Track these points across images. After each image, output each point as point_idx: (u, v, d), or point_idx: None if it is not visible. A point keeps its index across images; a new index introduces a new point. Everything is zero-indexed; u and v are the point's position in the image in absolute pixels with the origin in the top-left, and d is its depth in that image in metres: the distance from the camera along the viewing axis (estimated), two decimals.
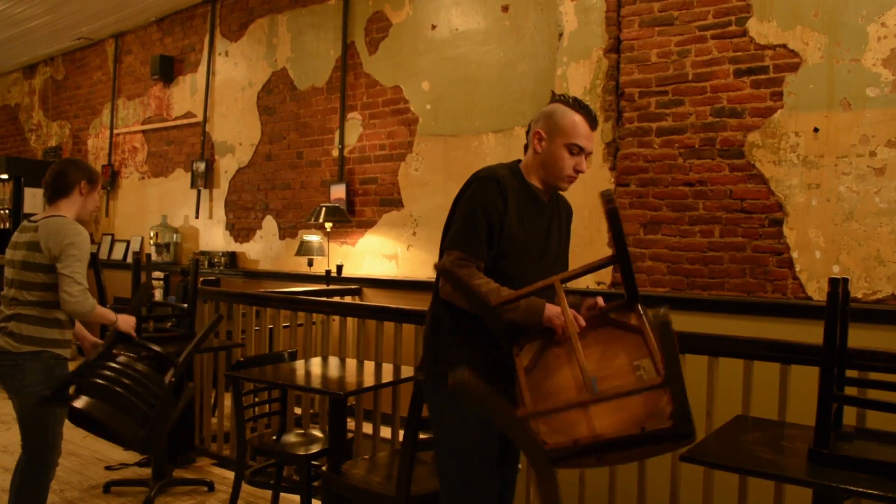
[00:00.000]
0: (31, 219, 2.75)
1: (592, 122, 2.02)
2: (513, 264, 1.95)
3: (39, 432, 2.67)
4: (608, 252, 4.11)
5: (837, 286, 1.57)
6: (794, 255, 3.62)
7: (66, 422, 2.69)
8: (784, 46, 3.65)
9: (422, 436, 2.41)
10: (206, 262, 6.55)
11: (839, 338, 1.67)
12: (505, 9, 4.84)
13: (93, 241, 8.21)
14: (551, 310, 1.83)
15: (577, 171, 2.01)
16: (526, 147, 2.08)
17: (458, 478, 1.97)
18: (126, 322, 2.77)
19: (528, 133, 2.09)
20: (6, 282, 2.71)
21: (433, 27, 5.22)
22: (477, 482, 1.96)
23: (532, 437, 1.51)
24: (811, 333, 2.59)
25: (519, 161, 2.10)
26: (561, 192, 2.13)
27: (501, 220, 1.92)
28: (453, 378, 1.44)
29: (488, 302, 1.78)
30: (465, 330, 1.96)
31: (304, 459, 2.92)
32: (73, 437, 4.72)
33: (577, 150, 1.98)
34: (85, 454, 4.35)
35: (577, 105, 2.02)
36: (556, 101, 2.06)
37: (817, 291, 3.56)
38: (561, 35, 4.31)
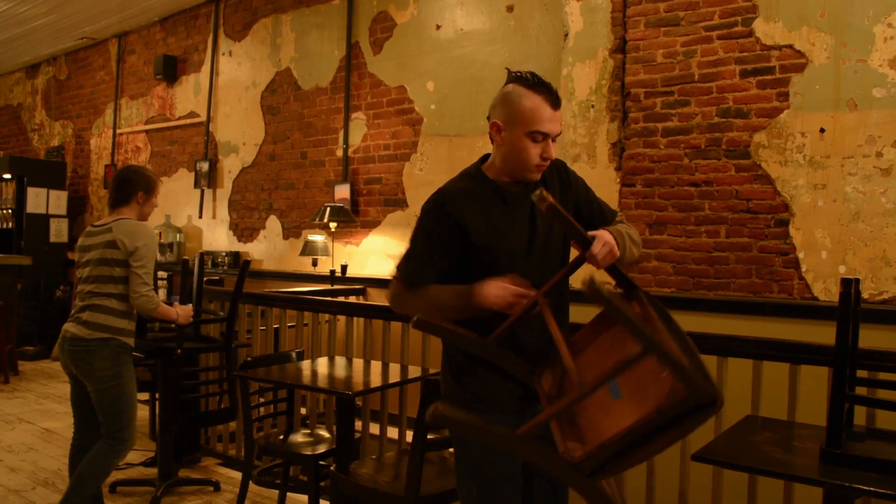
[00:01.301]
0: (97, 224, 3.03)
1: (555, 101, 1.79)
2: (494, 271, 1.79)
3: (115, 414, 2.89)
4: None
5: (850, 286, 1.57)
6: (801, 255, 3.63)
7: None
8: (790, 47, 3.65)
9: (430, 436, 2.42)
10: (209, 262, 6.55)
11: (851, 338, 1.67)
12: (510, 9, 4.85)
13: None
14: (487, 287, 1.72)
15: (545, 159, 1.80)
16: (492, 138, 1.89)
17: (478, 501, 1.88)
18: (186, 316, 3.18)
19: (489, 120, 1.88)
20: (81, 280, 2.98)
21: (438, 27, 5.22)
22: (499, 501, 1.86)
23: (548, 453, 1.43)
24: (818, 334, 2.60)
25: (484, 159, 1.94)
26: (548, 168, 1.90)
27: (452, 241, 1.81)
28: (430, 414, 1.37)
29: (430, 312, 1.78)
30: (475, 358, 1.85)
31: (311, 459, 2.92)
32: None
33: (541, 138, 1.77)
34: None
35: (536, 83, 1.79)
36: (511, 80, 1.83)
37: (823, 292, 3.56)
38: (566, 35, 4.31)
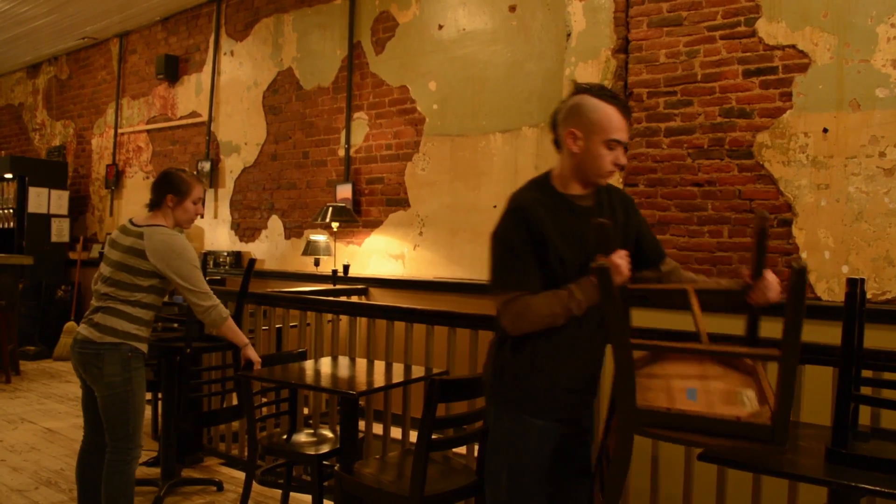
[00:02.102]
0: (134, 221, 2.88)
1: (626, 111, 1.91)
2: (561, 283, 1.88)
3: (121, 422, 2.77)
4: None
5: (856, 286, 1.57)
6: (803, 255, 3.63)
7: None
8: (793, 47, 3.65)
9: (434, 436, 2.42)
10: (211, 262, 6.55)
11: (857, 338, 1.67)
12: (512, 9, 4.85)
13: (92, 242, 8.24)
14: (617, 261, 1.78)
15: (617, 166, 1.91)
16: (556, 144, 1.96)
17: (507, 490, 1.95)
18: (255, 355, 3.04)
19: (554, 129, 1.96)
20: (100, 277, 2.86)
21: (440, 27, 5.23)
22: (525, 497, 1.94)
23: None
24: (821, 334, 2.59)
25: (546, 173, 2.00)
26: (610, 184, 2.03)
27: (537, 250, 1.87)
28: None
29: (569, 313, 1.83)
30: (533, 352, 1.93)
31: (315, 459, 2.92)
32: (80, 436, 4.72)
33: (615, 145, 1.88)
34: None
35: (608, 95, 1.90)
36: (581, 91, 1.92)
37: (826, 292, 3.56)
38: (569, 35, 4.31)
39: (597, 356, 2.02)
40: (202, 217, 3.10)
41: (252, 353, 3.01)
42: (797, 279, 1.54)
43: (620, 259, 1.79)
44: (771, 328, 1.67)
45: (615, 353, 1.65)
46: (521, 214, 1.88)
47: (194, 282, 2.80)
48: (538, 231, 1.86)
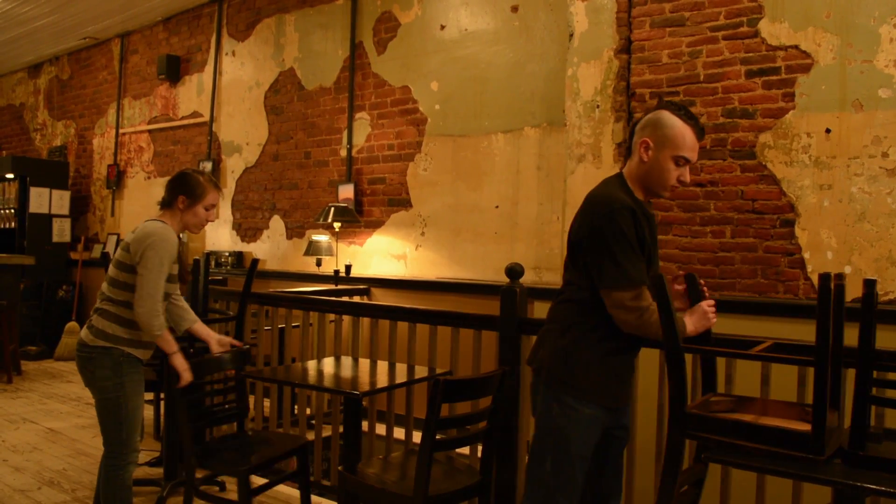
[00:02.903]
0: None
1: (700, 133, 2.01)
2: None
3: (114, 427, 2.70)
4: None
5: (872, 287, 1.58)
6: (806, 255, 3.63)
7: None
8: (796, 47, 3.65)
9: (438, 436, 2.42)
10: (212, 262, 6.55)
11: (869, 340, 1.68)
12: (514, 9, 4.85)
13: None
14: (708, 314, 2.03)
15: (681, 182, 2.02)
16: (628, 150, 2.08)
17: (551, 474, 2.04)
18: (182, 363, 2.77)
19: (631, 136, 2.09)
20: (105, 277, 2.81)
21: (442, 27, 5.23)
22: (567, 483, 2.03)
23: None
24: None
25: (620, 176, 2.09)
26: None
27: (643, 248, 1.98)
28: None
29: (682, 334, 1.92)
30: (605, 341, 2.04)
31: (242, 474, 2.77)
32: (82, 436, 4.73)
33: (683, 162, 1.99)
34: (95, 454, 4.35)
35: (687, 115, 2.00)
36: (663, 107, 2.03)
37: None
38: (571, 35, 4.31)
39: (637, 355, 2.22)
40: (212, 222, 2.97)
41: (179, 362, 2.75)
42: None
43: (710, 307, 2.01)
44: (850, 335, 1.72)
45: (668, 359, 1.81)
46: (631, 214, 1.95)
47: (151, 276, 2.62)
48: (641, 233, 1.97)
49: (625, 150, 4.15)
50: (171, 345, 2.75)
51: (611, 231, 1.95)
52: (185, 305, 3.04)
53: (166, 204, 2.80)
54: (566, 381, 2.04)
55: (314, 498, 3.68)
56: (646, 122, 2.04)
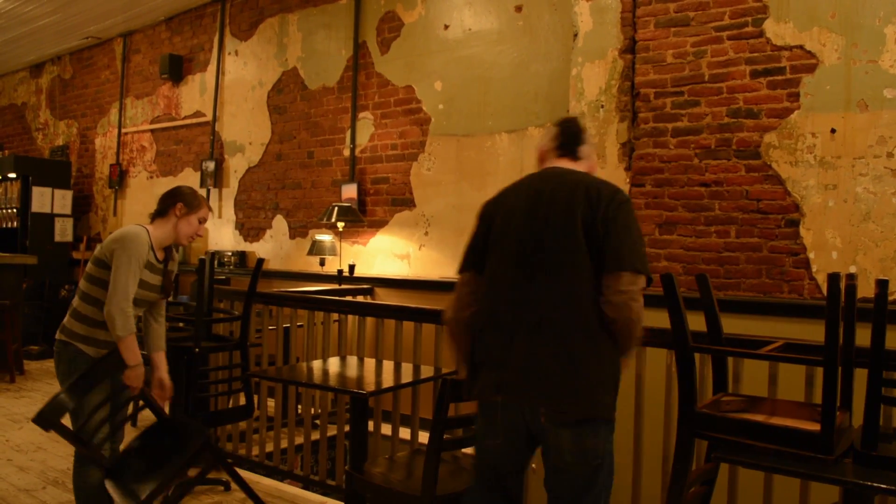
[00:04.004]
0: None
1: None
2: None
3: (73, 422, 2.68)
4: None
5: (885, 288, 1.58)
6: (811, 255, 3.63)
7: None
8: (801, 47, 3.66)
9: (444, 436, 2.41)
10: (215, 262, 6.55)
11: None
12: (518, 9, 4.85)
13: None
14: None
15: None
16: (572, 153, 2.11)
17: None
18: (137, 378, 2.66)
19: (578, 143, 2.11)
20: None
21: (446, 27, 5.23)
22: None
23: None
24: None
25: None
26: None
27: None
28: None
29: None
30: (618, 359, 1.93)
31: None
32: None
33: None
34: None
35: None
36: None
37: None
38: (576, 35, 4.31)
39: None
40: (199, 237, 3.00)
41: (136, 377, 2.66)
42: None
43: None
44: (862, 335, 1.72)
45: (678, 359, 1.83)
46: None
47: (120, 273, 2.60)
48: None
49: (629, 149, 4.16)
50: (135, 355, 2.65)
51: (632, 215, 1.93)
52: (162, 332, 3.00)
53: (160, 213, 2.85)
54: (613, 414, 1.88)
55: (320, 497, 3.69)
56: (588, 134, 2.18)
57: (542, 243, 1.92)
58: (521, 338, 1.89)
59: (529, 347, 1.87)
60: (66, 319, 2.76)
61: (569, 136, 2.11)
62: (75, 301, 2.75)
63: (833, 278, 1.65)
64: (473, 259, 2.06)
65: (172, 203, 2.84)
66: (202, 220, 2.93)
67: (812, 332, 3.27)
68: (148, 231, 2.78)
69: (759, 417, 1.87)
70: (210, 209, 3.01)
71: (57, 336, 2.76)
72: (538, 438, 1.92)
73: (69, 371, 2.68)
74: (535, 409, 1.86)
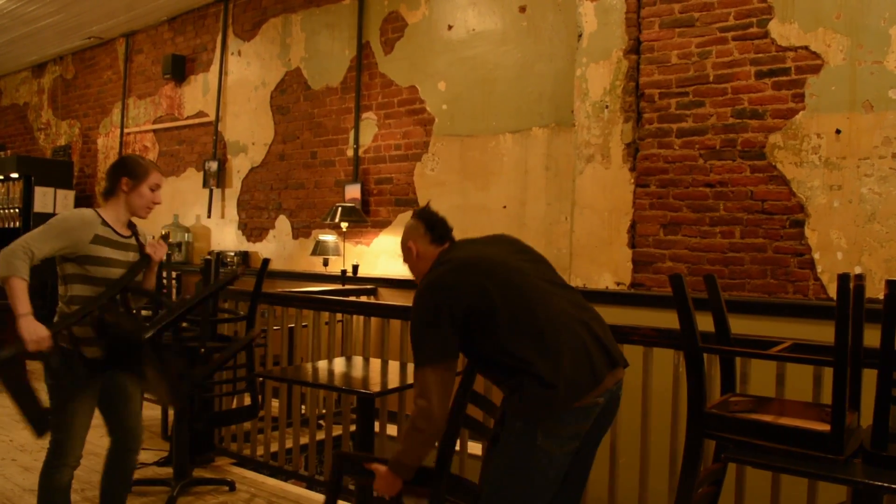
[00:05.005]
0: None
1: None
2: None
3: (55, 424, 2.63)
4: (627, 253, 4.12)
5: (894, 289, 1.58)
6: (816, 256, 3.63)
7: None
8: (806, 48, 3.66)
9: None
10: (219, 262, 6.55)
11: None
12: (522, 9, 4.85)
13: None
14: None
15: None
16: None
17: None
18: (31, 331, 2.37)
19: None
20: None
21: (450, 27, 5.23)
22: None
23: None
24: (833, 335, 2.60)
25: None
26: None
27: None
28: None
29: None
30: None
31: None
32: (90, 436, 4.71)
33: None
34: (102, 454, 4.30)
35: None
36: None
37: None
38: (580, 36, 4.31)
39: None
40: (157, 205, 2.74)
41: (26, 327, 2.35)
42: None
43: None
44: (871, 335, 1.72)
45: (688, 359, 1.86)
46: None
47: (30, 233, 2.47)
48: None
49: (633, 150, 4.16)
50: (22, 302, 2.37)
51: None
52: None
53: (109, 192, 2.67)
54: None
55: (322, 497, 3.69)
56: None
57: (539, 271, 2.14)
58: (582, 329, 2.01)
59: (591, 333, 2.02)
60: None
61: (436, 225, 2.29)
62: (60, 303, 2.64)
63: (843, 278, 1.66)
64: (453, 351, 1.99)
65: (116, 179, 2.65)
66: (154, 188, 2.68)
67: (817, 332, 3.27)
68: (97, 212, 2.62)
69: (767, 418, 1.88)
70: (160, 171, 2.75)
71: None
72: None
73: (52, 375, 2.58)
74: (619, 376, 2.05)
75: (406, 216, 5.44)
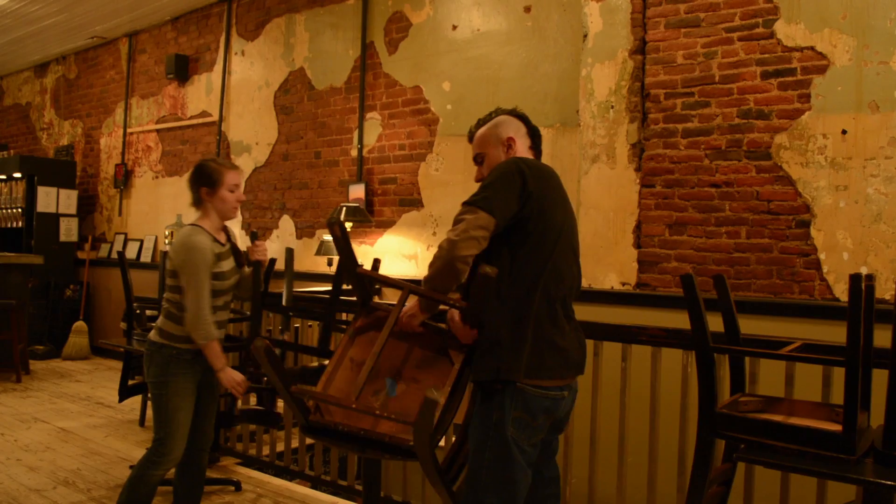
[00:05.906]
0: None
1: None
2: None
3: (159, 424, 2.72)
4: (632, 253, 4.12)
5: None
6: (822, 256, 3.63)
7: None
8: (812, 48, 3.66)
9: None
10: None
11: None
12: (527, 9, 4.86)
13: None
14: None
15: None
16: None
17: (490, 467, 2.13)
18: (230, 379, 2.73)
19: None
20: None
21: (454, 27, 5.23)
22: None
23: None
24: (839, 335, 2.59)
25: None
26: None
27: None
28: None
29: None
30: None
31: None
32: (94, 436, 4.74)
33: None
34: (108, 453, 4.36)
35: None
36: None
37: (845, 293, 3.57)
38: (585, 36, 4.31)
39: None
40: (242, 202, 2.87)
41: (227, 378, 2.73)
42: None
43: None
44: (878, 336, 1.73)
45: (699, 359, 1.88)
46: None
47: (191, 288, 2.64)
48: None
49: (639, 150, 4.16)
50: (219, 359, 2.71)
51: None
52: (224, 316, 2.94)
53: (196, 203, 2.80)
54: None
55: (330, 497, 3.69)
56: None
57: (571, 229, 2.18)
58: (570, 313, 2.17)
59: (574, 324, 2.18)
60: (160, 322, 2.75)
61: (537, 136, 2.34)
62: (167, 305, 2.75)
63: (856, 279, 1.66)
64: (503, 211, 1.98)
65: (197, 190, 2.76)
66: (233, 189, 2.76)
67: (823, 332, 3.28)
68: (201, 225, 2.74)
69: (778, 418, 1.88)
70: (236, 169, 2.83)
71: (152, 337, 2.74)
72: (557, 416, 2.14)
73: (161, 374, 2.69)
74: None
75: (410, 216, 5.44)
